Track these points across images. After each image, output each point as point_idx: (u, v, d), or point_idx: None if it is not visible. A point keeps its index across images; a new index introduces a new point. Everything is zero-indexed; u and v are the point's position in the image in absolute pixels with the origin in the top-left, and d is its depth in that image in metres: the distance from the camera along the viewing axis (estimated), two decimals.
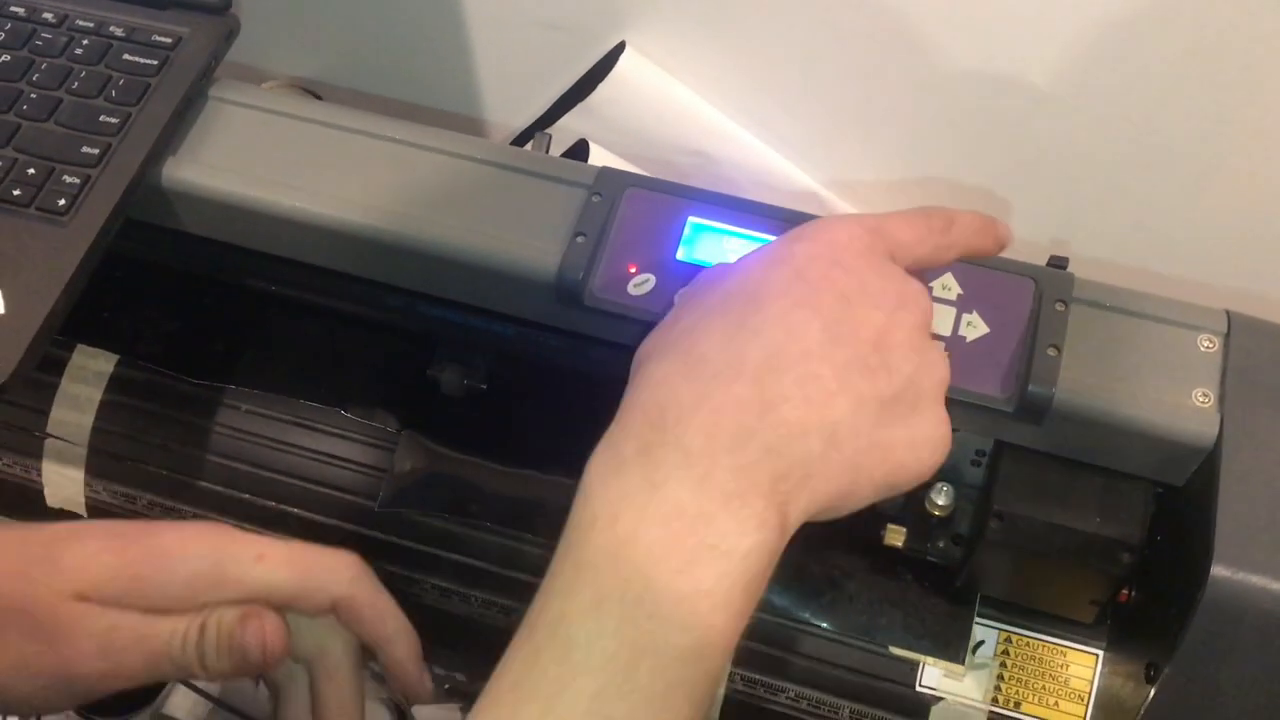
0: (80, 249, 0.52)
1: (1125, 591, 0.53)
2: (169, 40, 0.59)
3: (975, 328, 0.51)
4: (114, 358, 0.65)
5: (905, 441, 0.42)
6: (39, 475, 0.65)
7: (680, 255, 0.53)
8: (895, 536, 0.57)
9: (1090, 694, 0.55)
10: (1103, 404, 0.49)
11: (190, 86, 0.58)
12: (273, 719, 0.50)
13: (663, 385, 0.41)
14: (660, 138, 0.78)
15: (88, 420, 0.64)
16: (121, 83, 0.58)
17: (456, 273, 0.55)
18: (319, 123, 0.59)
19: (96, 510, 0.65)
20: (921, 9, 0.67)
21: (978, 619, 0.57)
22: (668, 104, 0.77)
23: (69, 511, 0.66)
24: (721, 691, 0.57)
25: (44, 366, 0.64)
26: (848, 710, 0.57)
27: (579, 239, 0.53)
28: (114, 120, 0.56)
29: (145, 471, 0.64)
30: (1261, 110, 0.64)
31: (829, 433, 0.40)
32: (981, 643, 0.56)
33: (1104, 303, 0.52)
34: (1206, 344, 0.51)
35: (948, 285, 0.51)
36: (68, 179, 0.54)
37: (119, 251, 0.55)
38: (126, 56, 0.59)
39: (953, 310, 0.51)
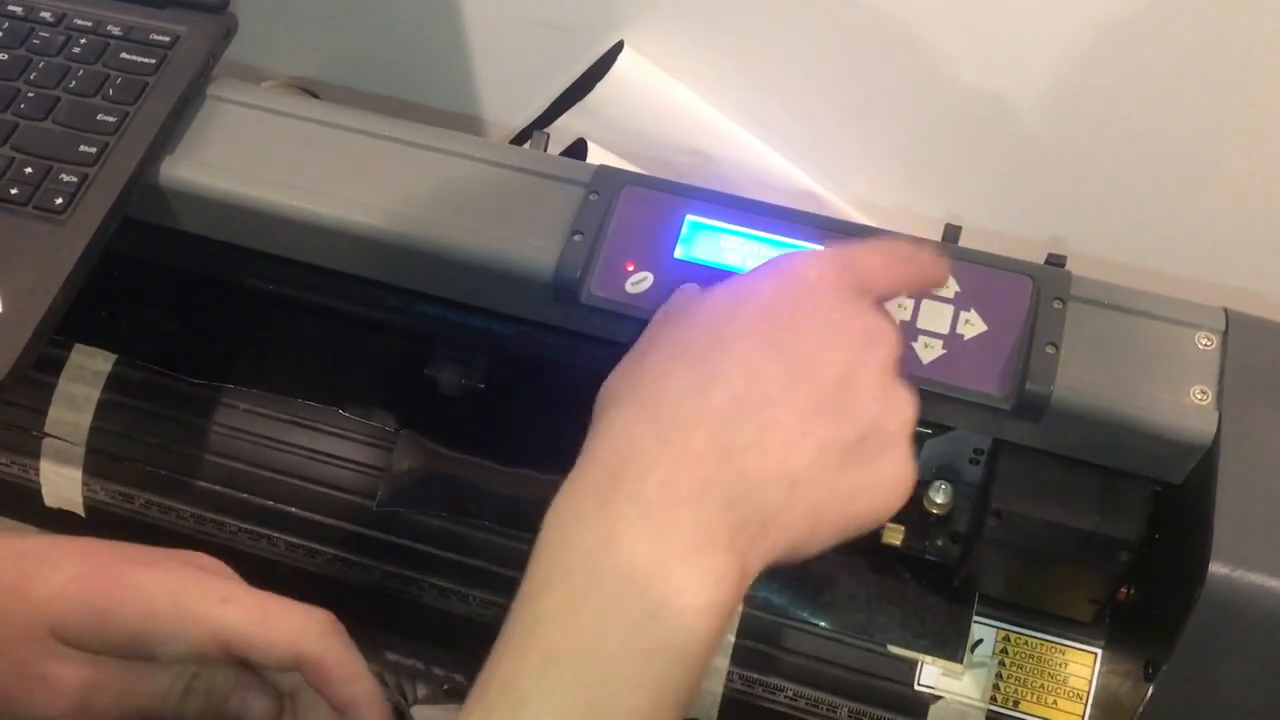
0: (78, 248, 0.52)
1: (1124, 590, 0.53)
2: (167, 39, 0.59)
3: (973, 325, 0.51)
4: (112, 357, 0.65)
5: (868, 486, 0.41)
6: (37, 475, 0.65)
7: (678, 254, 0.53)
8: (894, 535, 0.57)
9: (1089, 692, 0.55)
10: (1101, 402, 0.49)
11: (188, 85, 0.58)
12: None
13: (624, 434, 0.40)
14: (658, 137, 0.78)
15: (85, 419, 0.64)
16: (119, 81, 0.58)
17: (454, 271, 0.55)
18: (317, 122, 0.59)
19: (94, 510, 0.65)
20: (921, 9, 0.67)
21: (976, 617, 0.57)
22: (666, 103, 0.77)
23: (67, 511, 0.66)
24: (720, 690, 0.57)
25: (42, 366, 0.64)
26: (846, 709, 0.57)
27: (576, 237, 0.53)
28: (111, 119, 0.56)
29: (143, 471, 0.64)
30: (1260, 109, 0.64)
31: (790, 481, 0.39)
32: (980, 641, 0.56)
33: (1102, 300, 0.52)
34: (1204, 342, 0.51)
35: (945, 283, 0.51)
36: (65, 178, 0.54)
37: (117, 250, 0.55)
38: (124, 55, 0.59)
39: (950, 308, 0.51)
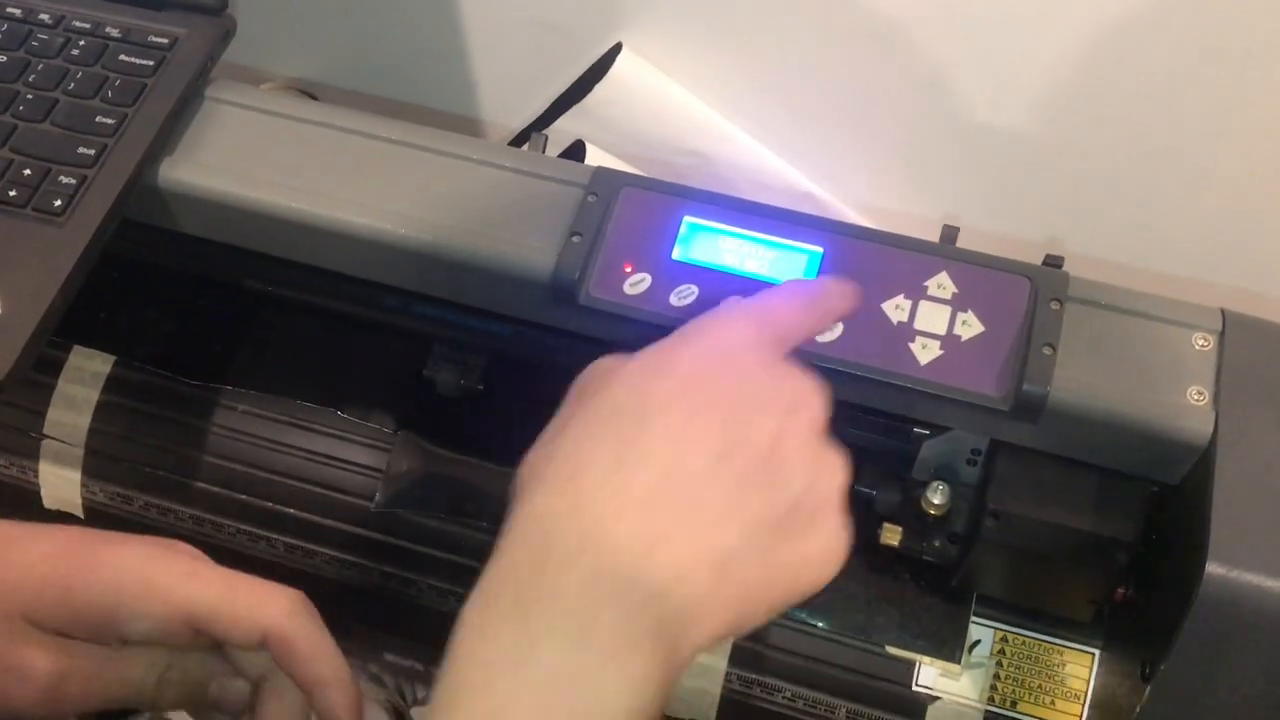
0: (76, 250, 0.52)
1: (1121, 590, 0.53)
2: (165, 41, 0.59)
3: (970, 326, 0.51)
4: (110, 359, 0.65)
5: (800, 560, 0.40)
6: (36, 476, 0.65)
7: (676, 255, 0.53)
8: (892, 536, 0.57)
9: (1086, 693, 0.55)
10: (1098, 402, 0.49)
11: (186, 87, 0.58)
12: None
13: (543, 522, 0.38)
14: (657, 138, 0.78)
15: (84, 421, 0.64)
16: (118, 83, 0.58)
17: (453, 273, 0.55)
18: (315, 123, 0.59)
19: (93, 511, 0.65)
20: (919, 11, 0.67)
21: (974, 618, 0.57)
22: (664, 105, 0.78)
23: (66, 513, 0.66)
24: (718, 691, 0.57)
25: (40, 367, 0.64)
26: (844, 710, 0.57)
27: (575, 239, 0.53)
28: (110, 121, 0.56)
29: (142, 472, 0.64)
30: (1257, 110, 0.64)
31: (719, 567, 0.38)
32: (978, 642, 0.56)
33: (1099, 301, 0.52)
34: (1201, 342, 0.51)
35: (943, 284, 0.52)
36: (64, 180, 0.54)
37: (115, 252, 0.55)
38: (123, 57, 0.59)
39: (948, 309, 0.51)
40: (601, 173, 0.56)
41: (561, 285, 0.53)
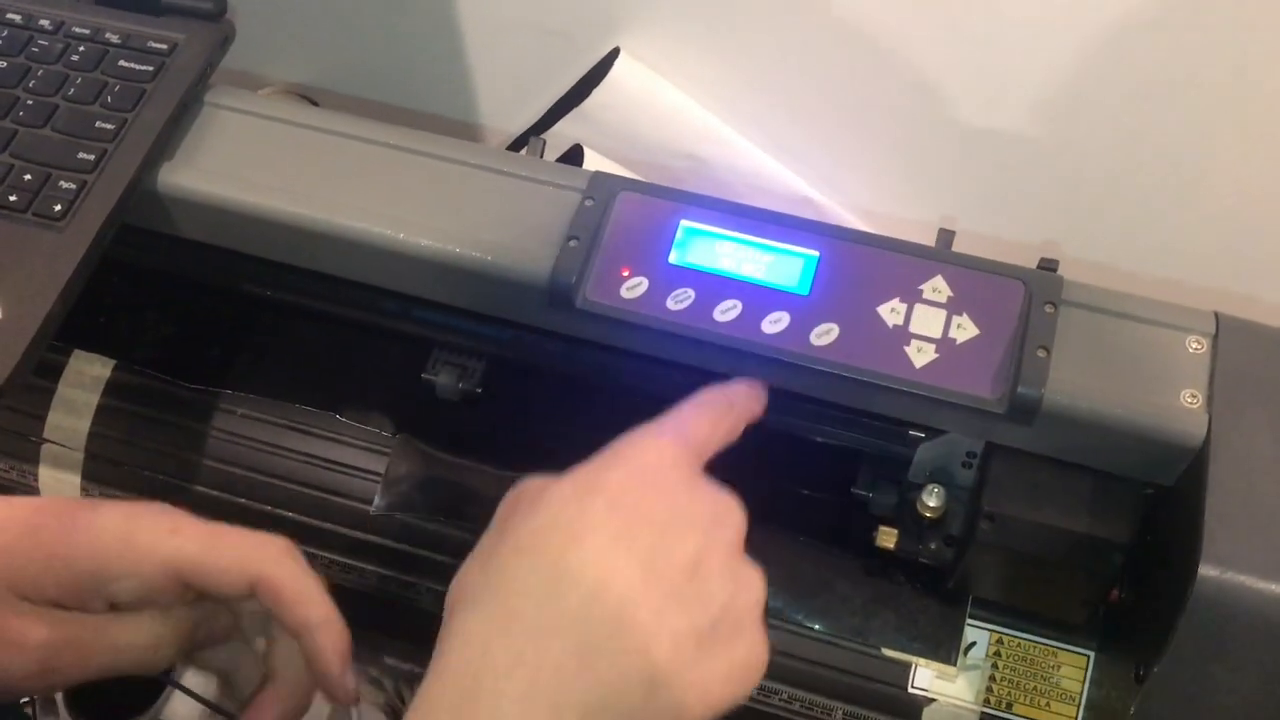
0: (76, 254, 0.53)
1: (1115, 592, 0.54)
2: (164, 47, 0.60)
3: (965, 330, 0.51)
4: (110, 362, 0.65)
5: (724, 672, 0.41)
6: (35, 480, 0.65)
7: (672, 259, 0.53)
8: (887, 538, 0.57)
9: (1081, 695, 0.55)
10: (1092, 405, 0.49)
11: (186, 92, 0.58)
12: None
13: (477, 642, 0.40)
14: (655, 142, 0.79)
15: (84, 425, 0.65)
16: (117, 89, 0.58)
17: (451, 277, 0.55)
18: (315, 128, 0.59)
19: None
20: (915, 15, 0.67)
21: (969, 620, 0.57)
22: (662, 109, 0.78)
23: None
24: None
25: (41, 371, 0.64)
26: (840, 712, 0.57)
27: (572, 243, 0.53)
28: (110, 126, 0.57)
29: (141, 476, 0.64)
30: (1250, 116, 0.64)
31: (648, 681, 0.39)
32: (973, 644, 0.57)
33: (1093, 304, 0.52)
34: (1195, 345, 0.51)
35: (938, 288, 0.52)
36: (64, 185, 0.55)
37: (115, 257, 0.55)
38: (122, 63, 0.59)
39: (943, 312, 0.51)
40: (598, 177, 0.56)
41: (559, 289, 0.53)
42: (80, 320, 0.54)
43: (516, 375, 0.61)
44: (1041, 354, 0.50)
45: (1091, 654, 0.56)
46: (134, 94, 0.58)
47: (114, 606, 0.45)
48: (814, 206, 0.78)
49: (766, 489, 0.62)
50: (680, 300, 0.53)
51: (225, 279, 0.64)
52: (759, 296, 0.52)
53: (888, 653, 0.57)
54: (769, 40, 0.72)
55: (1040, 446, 0.52)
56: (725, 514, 0.44)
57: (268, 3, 0.78)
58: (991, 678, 0.56)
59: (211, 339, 0.67)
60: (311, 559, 0.62)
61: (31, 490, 0.65)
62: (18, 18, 0.61)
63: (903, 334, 0.51)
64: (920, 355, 0.51)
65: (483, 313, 0.58)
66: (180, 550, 0.45)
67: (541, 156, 0.63)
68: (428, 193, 0.56)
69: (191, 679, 0.95)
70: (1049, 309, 0.51)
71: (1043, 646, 0.56)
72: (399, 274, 0.57)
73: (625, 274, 0.53)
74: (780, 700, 0.57)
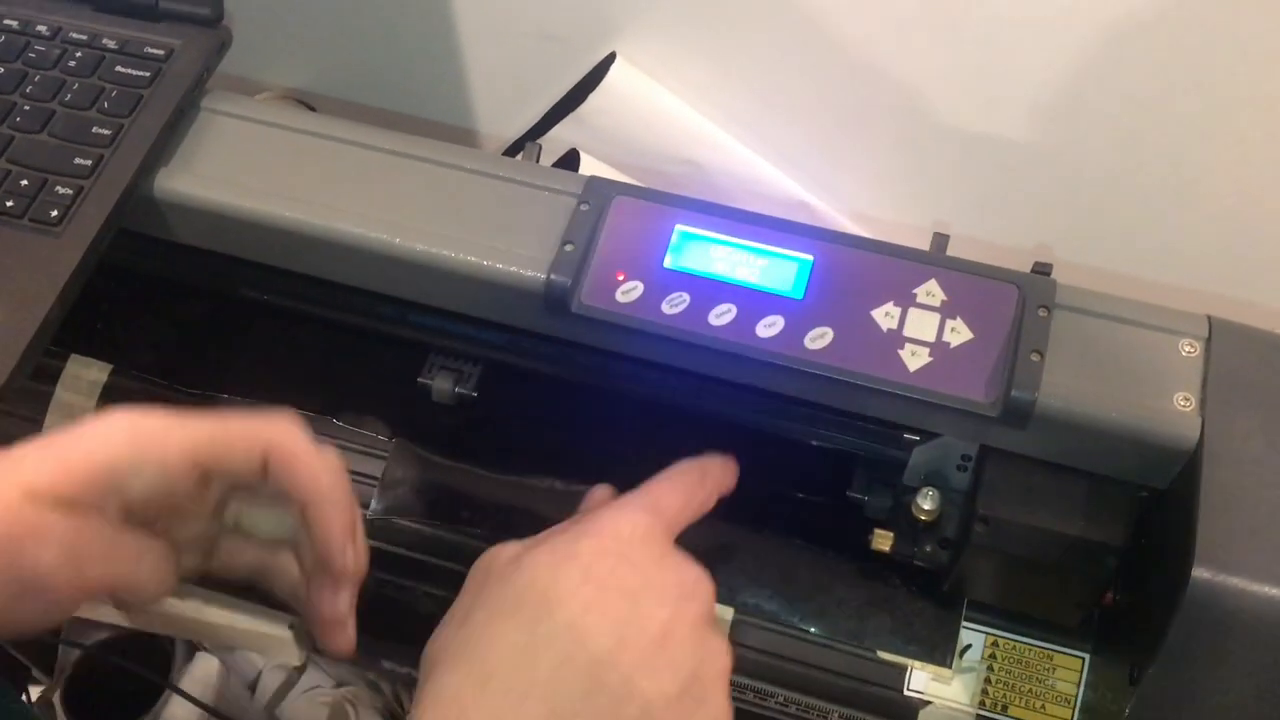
0: (73, 259, 0.53)
1: (1110, 594, 0.54)
2: (161, 52, 0.60)
3: (959, 333, 0.51)
4: (107, 367, 0.66)
5: None
6: None
7: (668, 263, 0.53)
8: (883, 541, 0.57)
9: (1076, 697, 0.55)
10: (1086, 408, 0.50)
11: (182, 98, 0.58)
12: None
13: (453, 703, 0.41)
14: (650, 147, 0.79)
15: None
16: (114, 94, 0.58)
17: (447, 281, 0.56)
18: (311, 134, 0.59)
19: None
20: (910, 21, 0.67)
21: (965, 623, 0.57)
22: (658, 113, 0.78)
23: None
24: None
25: (38, 376, 0.64)
26: (836, 715, 0.57)
27: (567, 247, 0.54)
28: (106, 131, 0.57)
29: None
30: (1245, 120, 0.64)
31: None
32: (969, 647, 0.57)
33: (1086, 308, 0.52)
34: (1188, 349, 0.51)
35: (932, 292, 0.52)
36: (60, 190, 0.55)
37: (112, 261, 0.55)
38: (119, 68, 0.59)
39: (937, 316, 0.52)
40: (594, 181, 0.56)
41: (554, 294, 0.53)
42: (77, 325, 0.54)
43: (512, 379, 0.61)
44: (1035, 358, 0.50)
45: (1086, 656, 0.56)
46: (131, 99, 0.58)
47: (130, 512, 0.44)
48: (809, 211, 0.79)
49: (763, 493, 0.62)
50: (675, 304, 0.53)
51: (222, 284, 0.64)
52: (753, 301, 0.52)
53: (883, 655, 0.57)
54: (765, 45, 0.72)
55: (1034, 449, 0.52)
56: (694, 586, 0.47)
57: (264, 8, 0.78)
58: (987, 680, 0.56)
59: (208, 343, 0.67)
60: None
61: None
62: (15, 24, 0.61)
63: (897, 338, 0.51)
64: (914, 359, 0.51)
65: (478, 317, 0.58)
66: (191, 434, 0.44)
67: (537, 161, 0.63)
68: (424, 197, 0.57)
69: (191, 682, 0.95)
70: (1042, 313, 0.51)
71: (1038, 649, 0.56)
72: (395, 278, 0.57)
73: (620, 278, 0.53)
74: (776, 703, 0.58)
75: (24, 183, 0.55)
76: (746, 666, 0.58)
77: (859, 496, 0.58)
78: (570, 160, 0.79)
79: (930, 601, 0.58)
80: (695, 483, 0.51)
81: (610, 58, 0.76)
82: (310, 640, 0.54)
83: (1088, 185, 0.71)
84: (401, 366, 0.63)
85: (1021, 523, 0.52)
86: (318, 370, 0.66)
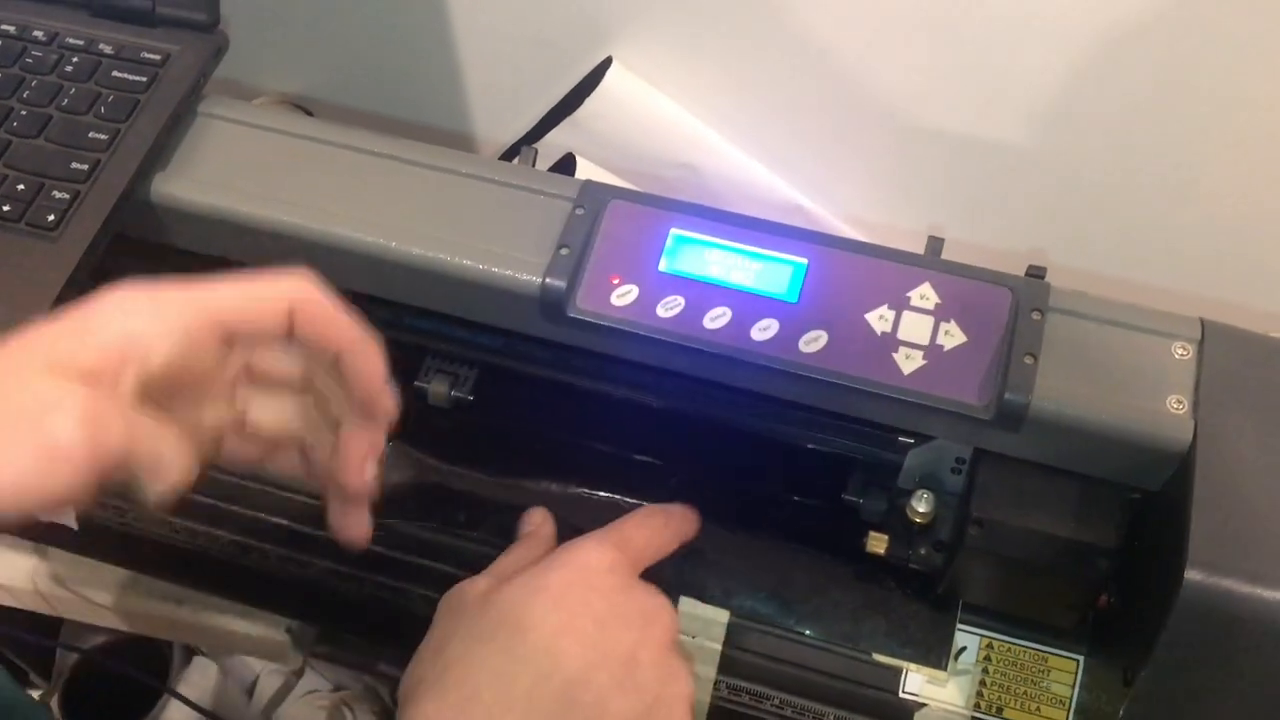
0: (70, 264, 0.53)
1: (1104, 597, 0.54)
2: (158, 57, 0.60)
3: (953, 337, 0.51)
4: None
5: None
6: None
7: (662, 267, 0.54)
8: (878, 544, 0.57)
9: (1071, 699, 0.55)
10: (1079, 411, 0.50)
11: (179, 103, 0.59)
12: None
13: None
14: (646, 151, 0.79)
15: None
16: (111, 99, 0.58)
17: (443, 285, 0.56)
18: (308, 138, 0.59)
19: (87, 523, 0.65)
20: (905, 25, 0.67)
21: (960, 625, 0.57)
22: (654, 118, 0.78)
23: (60, 524, 0.66)
24: (707, 699, 0.57)
25: None
26: (832, 717, 0.57)
27: (562, 251, 0.54)
28: (103, 136, 0.57)
29: None
30: (1239, 125, 0.65)
31: None
32: (964, 649, 0.57)
33: (1080, 311, 0.52)
34: (1181, 351, 0.51)
35: (926, 295, 0.52)
36: (57, 195, 0.55)
37: (109, 266, 0.55)
38: (116, 74, 0.59)
39: (931, 319, 0.52)
40: (589, 186, 0.56)
41: (550, 297, 0.53)
42: None
43: (508, 382, 0.61)
44: (1028, 360, 0.50)
45: (1081, 658, 0.56)
46: (128, 104, 0.58)
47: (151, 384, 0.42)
48: (804, 214, 0.79)
49: (758, 496, 0.62)
50: (670, 308, 0.53)
51: None
52: (748, 304, 0.53)
53: (879, 658, 0.57)
54: (760, 50, 0.73)
55: (1028, 452, 0.52)
56: (657, 613, 0.50)
57: (261, 13, 0.78)
58: (982, 682, 0.56)
59: None
60: (305, 566, 0.63)
61: None
62: (12, 29, 0.61)
63: (891, 341, 0.51)
64: (908, 362, 0.51)
65: (474, 320, 0.58)
66: (213, 297, 0.43)
67: (533, 166, 0.63)
68: (420, 202, 0.57)
69: (189, 686, 0.95)
70: (1036, 316, 0.51)
71: (1033, 651, 0.56)
72: (391, 282, 0.57)
73: (615, 282, 0.53)
74: (772, 706, 0.58)
75: (20, 187, 0.55)
76: (742, 669, 0.58)
77: (854, 499, 0.58)
78: (566, 164, 0.79)
79: (925, 604, 0.58)
80: (660, 524, 0.55)
81: (606, 62, 0.76)
82: (307, 643, 0.54)
83: (1082, 189, 0.71)
84: (398, 370, 0.63)
85: (1015, 525, 0.52)
86: None
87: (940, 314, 0.52)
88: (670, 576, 0.58)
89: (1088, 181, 0.70)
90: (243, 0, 0.63)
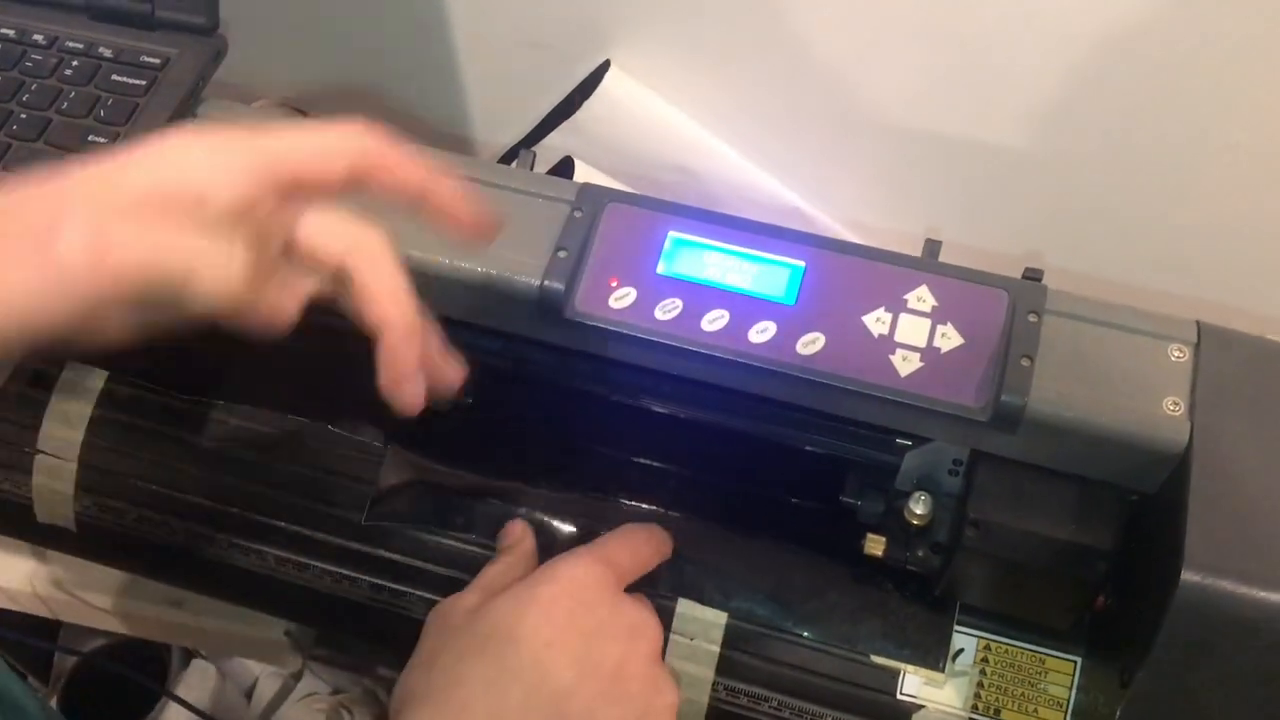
0: None
1: (1101, 598, 0.54)
2: (157, 61, 0.60)
3: (950, 339, 0.51)
4: (103, 374, 0.66)
5: None
6: (29, 490, 0.66)
7: (660, 269, 0.54)
8: (875, 546, 0.57)
9: (1069, 701, 0.56)
10: (1075, 413, 0.50)
11: (178, 106, 0.59)
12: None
13: None
14: (645, 154, 0.79)
15: (78, 436, 0.65)
16: (110, 103, 0.59)
17: (441, 287, 0.56)
18: None
19: (86, 525, 0.66)
20: (902, 28, 0.68)
21: (957, 627, 0.57)
22: (652, 121, 0.78)
23: (59, 527, 0.66)
24: (705, 701, 0.58)
25: (34, 382, 0.65)
26: (830, 718, 0.57)
27: (561, 253, 0.54)
28: (103, 140, 0.57)
29: (135, 486, 0.65)
30: (1232, 127, 0.65)
31: None
32: (961, 650, 0.57)
33: (1076, 314, 0.52)
34: (1177, 354, 0.51)
35: (923, 298, 0.52)
36: None
37: None
38: (115, 77, 0.59)
39: (928, 322, 0.52)
40: (587, 189, 0.56)
41: (548, 300, 0.53)
42: None
43: (506, 385, 0.61)
44: (1025, 363, 0.50)
45: (1078, 660, 0.56)
46: (127, 108, 0.58)
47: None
48: (802, 217, 0.79)
49: (756, 498, 0.62)
50: (668, 310, 0.53)
51: None
52: (746, 306, 0.53)
53: (876, 660, 0.57)
54: (758, 53, 0.73)
55: (1025, 454, 0.52)
56: (643, 626, 0.52)
57: (260, 17, 0.78)
58: (979, 684, 0.56)
59: (204, 350, 0.67)
60: (303, 568, 0.63)
61: (24, 501, 0.66)
62: (11, 32, 0.61)
63: (888, 343, 0.52)
64: (905, 364, 0.51)
65: (473, 323, 0.58)
66: (277, 149, 0.41)
67: (532, 169, 0.64)
68: None
69: (187, 689, 0.95)
70: (1033, 318, 0.51)
71: (1030, 653, 0.56)
72: None
73: (614, 284, 0.54)
74: (770, 707, 0.58)
75: None
76: (740, 671, 0.58)
77: (851, 501, 0.58)
78: (565, 167, 0.79)
79: (923, 606, 0.58)
80: (643, 541, 0.56)
81: (604, 66, 0.77)
82: (306, 646, 0.54)
83: (1078, 192, 0.71)
84: None
85: (1013, 527, 0.52)
86: (313, 377, 0.66)
87: (937, 316, 0.52)
88: (668, 578, 0.58)
89: (1085, 184, 0.70)
90: (242, 4, 0.63)
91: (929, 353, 0.51)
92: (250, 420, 0.65)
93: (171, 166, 0.40)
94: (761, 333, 0.52)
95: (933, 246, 0.56)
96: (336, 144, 0.43)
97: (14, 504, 0.66)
